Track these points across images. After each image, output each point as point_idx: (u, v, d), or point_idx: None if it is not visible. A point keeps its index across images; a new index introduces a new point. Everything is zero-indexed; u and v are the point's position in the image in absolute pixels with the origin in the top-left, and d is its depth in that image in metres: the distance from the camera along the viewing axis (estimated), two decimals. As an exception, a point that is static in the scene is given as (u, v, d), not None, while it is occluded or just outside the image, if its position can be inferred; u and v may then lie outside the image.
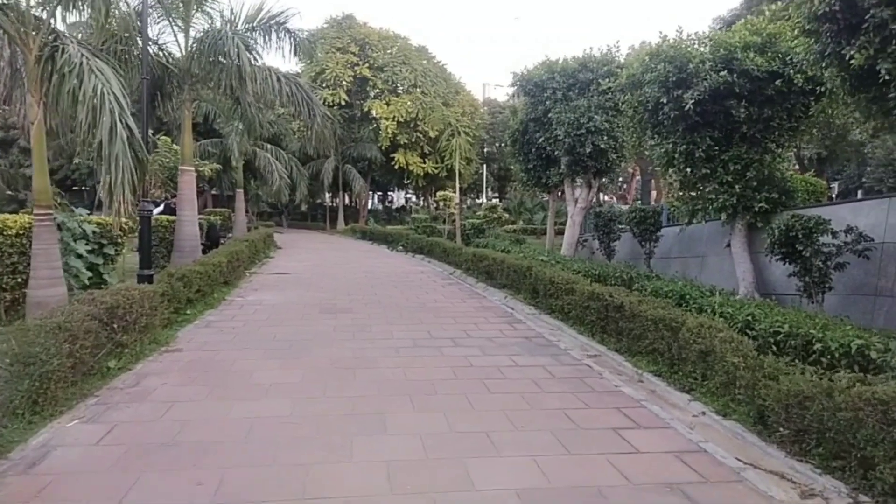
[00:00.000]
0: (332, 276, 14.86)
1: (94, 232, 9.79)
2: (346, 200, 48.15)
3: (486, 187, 56.23)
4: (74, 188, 38.08)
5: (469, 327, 8.89)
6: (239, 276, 13.65)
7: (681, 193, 11.97)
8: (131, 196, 6.39)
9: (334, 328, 8.61)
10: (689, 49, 10.46)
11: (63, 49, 6.80)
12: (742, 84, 9.57)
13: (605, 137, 16.25)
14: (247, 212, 36.97)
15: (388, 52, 38.51)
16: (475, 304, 11.15)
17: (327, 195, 46.18)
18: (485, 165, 50.63)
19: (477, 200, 55.36)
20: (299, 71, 37.44)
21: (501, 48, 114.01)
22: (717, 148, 10.44)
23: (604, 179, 18.51)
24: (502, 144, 55.35)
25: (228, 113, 17.58)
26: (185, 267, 9.25)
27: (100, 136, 5.97)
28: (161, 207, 18.51)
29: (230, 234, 24.95)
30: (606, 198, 46.27)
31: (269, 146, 27.69)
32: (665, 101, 10.39)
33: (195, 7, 12.86)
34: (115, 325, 6.16)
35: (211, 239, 17.56)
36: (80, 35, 11.32)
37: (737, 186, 10.40)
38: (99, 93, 6.08)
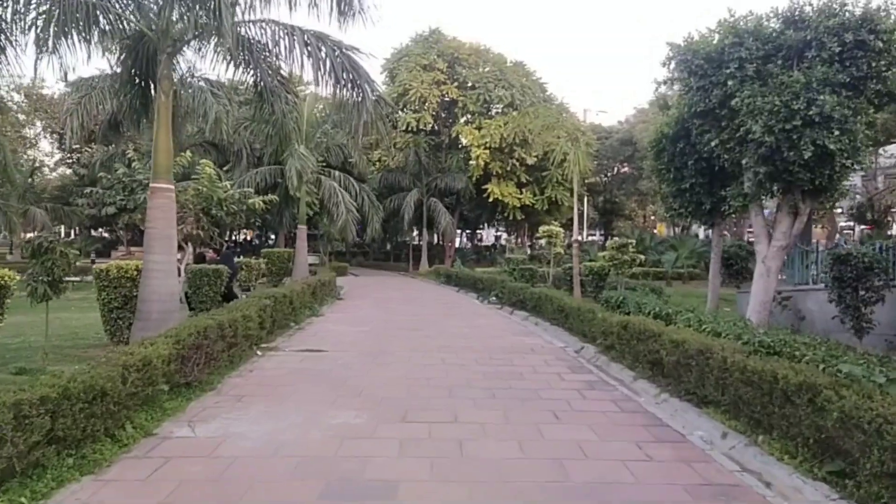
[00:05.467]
0: (387, 360, 9.19)
1: None
2: (433, 238, 43.11)
3: (586, 223, 49.55)
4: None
5: None
6: (239, 356, 8.36)
7: None
8: None
9: None
10: None
11: None
12: None
13: (836, 132, 9.78)
14: (317, 251, 32.67)
15: (481, 68, 33.47)
16: (682, 471, 4.98)
17: (413, 232, 41.30)
18: (585, 198, 44.13)
19: (573, 237, 48.61)
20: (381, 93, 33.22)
21: (605, 72, 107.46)
22: None
23: (818, 202, 11.86)
24: (608, 174, 48.78)
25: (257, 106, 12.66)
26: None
27: None
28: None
29: (288, 280, 20.20)
30: (708, 232, 38.06)
31: (336, 173, 23.09)
32: None
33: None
34: None
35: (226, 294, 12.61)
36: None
37: None
38: None
